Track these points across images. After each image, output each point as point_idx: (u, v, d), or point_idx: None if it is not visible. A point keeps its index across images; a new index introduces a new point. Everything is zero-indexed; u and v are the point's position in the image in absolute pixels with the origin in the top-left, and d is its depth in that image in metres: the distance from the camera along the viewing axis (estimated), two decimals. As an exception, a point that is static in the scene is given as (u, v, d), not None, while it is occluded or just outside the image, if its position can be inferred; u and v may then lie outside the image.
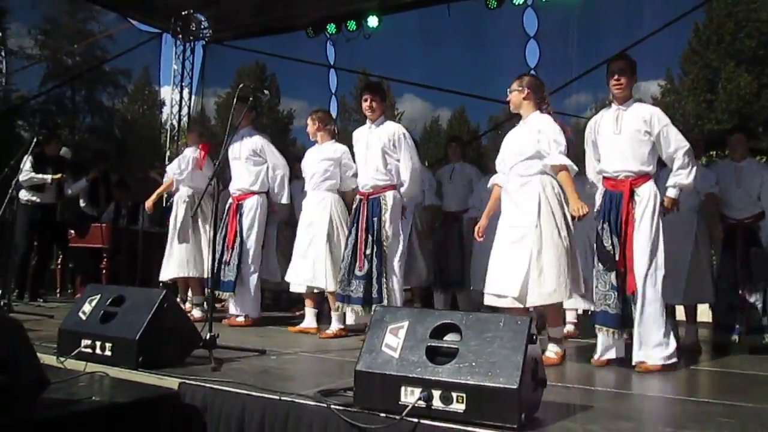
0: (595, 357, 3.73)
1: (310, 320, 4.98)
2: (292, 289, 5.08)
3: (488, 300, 3.82)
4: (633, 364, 3.58)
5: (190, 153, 5.77)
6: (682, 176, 3.66)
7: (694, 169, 3.68)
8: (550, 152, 3.72)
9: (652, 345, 3.55)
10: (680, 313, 5.06)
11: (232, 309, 5.28)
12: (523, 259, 3.65)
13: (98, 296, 3.39)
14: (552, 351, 3.74)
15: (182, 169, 5.66)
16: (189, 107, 9.99)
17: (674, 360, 3.59)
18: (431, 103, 11.37)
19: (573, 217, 3.67)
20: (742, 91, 13.32)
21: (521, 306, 3.65)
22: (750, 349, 4.59)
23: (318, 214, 4.92)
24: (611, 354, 3.70)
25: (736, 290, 4.75)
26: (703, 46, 14.08)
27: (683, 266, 4.63)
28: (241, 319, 5.22)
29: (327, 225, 4.86)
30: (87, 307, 3.35)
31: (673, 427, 2.36)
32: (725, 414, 2.60)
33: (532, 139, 3.79)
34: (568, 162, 3.69)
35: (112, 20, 10.57)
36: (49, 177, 6.40)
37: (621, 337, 3.64)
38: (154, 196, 5.81)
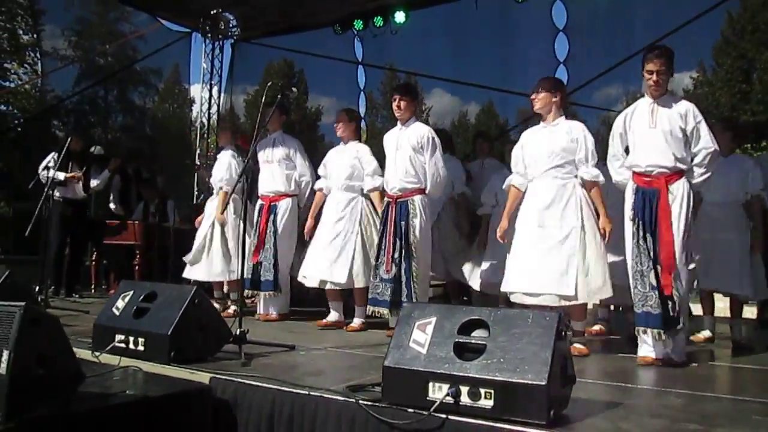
0: (639, 355, 3.65)
1: (335, 315, 5.01)
2: (309, 284, 5.10)
3: (518, 298, 3.84)
4: (660, 359, 3.55)
5: (229, 158, 5.83)
6: (695, 174, 3.62)
7: (708, 174, 3.62)
8: (586, 164, 3.88)
9: (679, 342, 3.55)
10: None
11: (267, 307, 5.36)
12: (572, 258, 3.74)
13: (131, 292, 3.46)
14: (576, 344, 3.77)
15: (233, 177, 5.69)
16: (218, 105, 10.11)
17: (692, 355, 3.63)
18: (460, 98, 11.31)
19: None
20: (778, 81, 13.03)
21: (560, 304, 3.70)
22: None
23: (347, 213, 4.96)
24: (654, 353, 3.60)
25: None
26: (737, 36, 13.74)
27: (721, 253, 4.53)
28: (274, 314, 5.32)
29: (357, 224, 4.92)
30: (120, 303, 3.43)
31: (706, 425, 2.32)
32: (760, 412, 2.55)
33: (568, 145, 3.89)
34: (601, 178, 3.88)
35: (142, 20, 10.74)
36: (62, 175, 6.48)
37: (667, 337, 3.53)
38: (222, 208, 5.70)
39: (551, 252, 3.77)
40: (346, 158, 5.07)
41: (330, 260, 4.89)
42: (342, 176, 5.05)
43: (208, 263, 5.72)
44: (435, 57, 8.89)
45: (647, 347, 3.60)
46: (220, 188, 5.77)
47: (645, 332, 3.56)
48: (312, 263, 5.01)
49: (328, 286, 4.95)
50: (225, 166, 5.79)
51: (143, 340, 3.20)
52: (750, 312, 6.05)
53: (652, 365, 3.55)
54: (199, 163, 7.14)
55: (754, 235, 4.65)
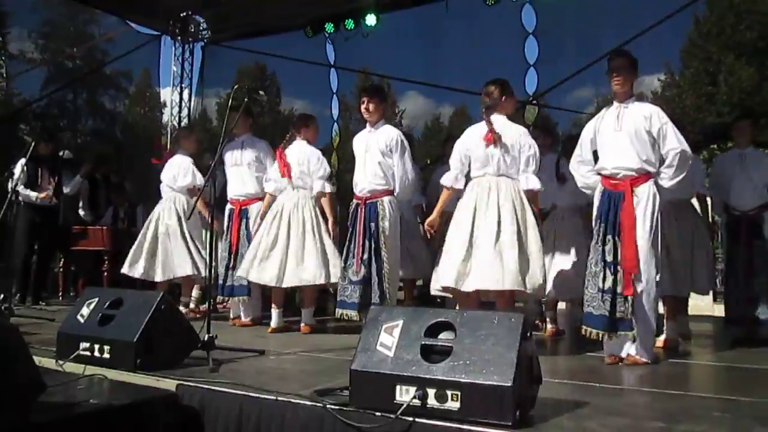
0: (606, 355, 3.69)
1: (276, 319, 4.96)
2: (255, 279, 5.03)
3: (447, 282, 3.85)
4: (624, 358, 3.60)
5: (190, 163, 5.76)
6: (664, 176, 3.66)
7: (680, 174, 3.64)
8: (526, 170, 3.89)
9: (643, 342, 3.57)
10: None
11: (241, 313, 5.31)
12: (504, 251, 3.73)
13: (96, 299, 3.41)
14: None
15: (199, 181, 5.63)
16: (189, 108, 10.02)
17: (655, 355, 3.65)
18: (434, 101, 11.38)
19: None
20: (744, 83, 13.27)
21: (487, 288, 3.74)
22: (755, 342, 4.56)
23: (289, 214, 4.95)
24: (619, 351, 3.66)
25: (743, 283, 4.73)
26: (703, 39, 14.02)
27: (677, 258, 4.60)
28: (248, 319, 5.29)
29: (302, 223, 4.90)
30: (85, 310, 3.37)
31: (669, 422, 2.36)
32: (721, 408, 2.60)
33: (510, 146, 3.89)
34: (538, 186, 3.92)
35: (111, 23, 10.64)
36: (35, 195, 6.38)
37: (613, 338, 3.58)
38: (190, 213, 5.56)
39: (488, 245, 3.75)
40: (294, 159, 5.04)
41: (294, 261, 4.87)
42: (294, 177, 5.03)
43: (148, 259, 5.63)
44: (407, 60, 8.91)
45: (614, 347, 3.64)
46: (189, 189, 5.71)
47: (588, 333, 3.61)
48: (275, 265, 4.94)
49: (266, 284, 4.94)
50: (187, 170, 5.72)
51: (109, 347, 3.15)
52: (719, 310, 6.18)
53: (619, 364, 3.60)
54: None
55: (701, 231, 4.77)
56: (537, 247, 3.80)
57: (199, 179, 5.63)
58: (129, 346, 3.08)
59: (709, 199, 5.05)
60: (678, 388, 3.18)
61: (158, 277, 5.60)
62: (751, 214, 4.79)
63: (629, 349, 3.60)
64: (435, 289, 4.23)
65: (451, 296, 4.00)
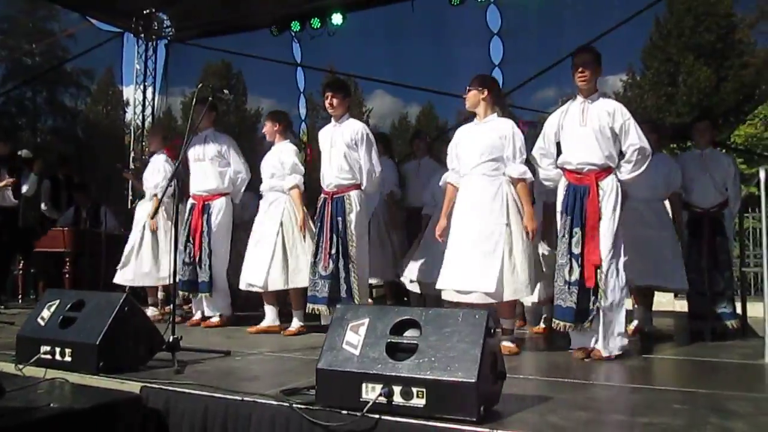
0: (573, 349, 3.76)
1: (271, 319, 4.95)
2: (242, 287, 5.03)
3: (449, 296, 3.87)
4: (590, 351, 3.66)
5: (163, 163, 5.70)
6: (623, 170, 3.74)
7: (638, 169, 3.72)
8: (514, 162, 3.90)
9: (611, 336, 3.63)
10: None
11: (207, 311, 5.26)
12: (496, 256, 3.77)
13: (57, 301, 3.35)
14: (505, 342, 3.82)
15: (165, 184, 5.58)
16: (153, 107, 9.87)
17: (627, 348, 3.72)
18: (401, 100, 11.37)
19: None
20: (702, 84, 13.60)
21: (487, 302, 3.73)
22: (715, 336, 4.68)
23: (270, 214, 4.94)
24: (587, 343, 3.72)
25: (704, 279, 4.85)
26: (664, 41, 14.31)
27: (654, 250, 4.68)
28: (216, 319, 5.22)
29: (278, 225, 4.87)
30: (46, 313, 3.31)
31: (629, 415, 2.42)
32: (680, 401, 2.67)
33: (496, 142, 3.91)
34: (528, 175, 3.91)
35: (72, 20, 10.34)
36: None
37: (581, 330, 3.66)
38: (153, 213, 5.50)
39: (477, 249, 3.80)
40: (270, 158, 5.04)
41: (254, 263, 4.87)
42: (266, 177, 5.03)
43: (137, 266, 5.59)
44: (375, 59, 8.92)
45: (582, 339, 3.72)
46: (154, 194, 5.65)
47: (557, 325, 3.68)
48: (245, 267, 4.95)
49: (254, 289, 4.90)
50: (159, 171, 5.67)
51: (70, 350, 3.10)
52: (680, 305, 6.33)
53: (585, 360, 3.66)
54: (129, 168, 6.91)
55: (676, 230, 4.86)
56: (519, 249, 3.85)
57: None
58: (91, 349, 3.03)
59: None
60: (640, 382, 3.26)
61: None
62: (712, 211, 4.91)
63: (596, 343, 3.67)
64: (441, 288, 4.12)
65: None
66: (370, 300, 5.34)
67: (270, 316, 4.95)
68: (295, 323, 4.80)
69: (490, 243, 3.80)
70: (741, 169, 5.76)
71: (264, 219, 4.98)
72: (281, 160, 4.96)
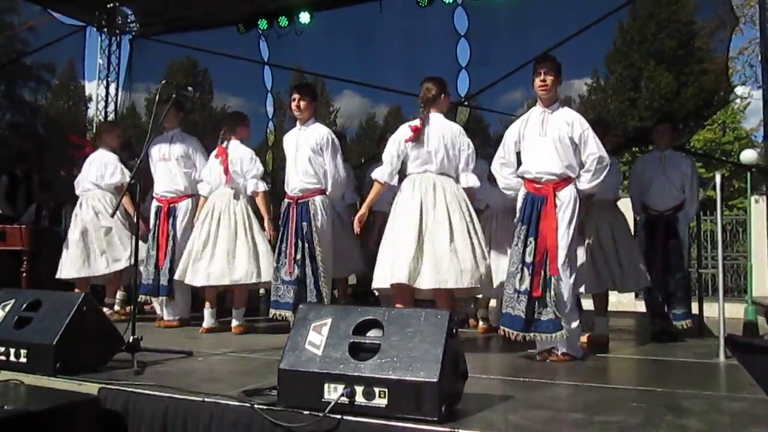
0: (537, 351, 3.79)
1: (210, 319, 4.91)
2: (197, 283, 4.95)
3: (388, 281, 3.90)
4: (550, 353, 3.72)
5: (116, 160, 5.61)
6: (582, 180, 3.79)
7: (597, 178, 3.78)
8: (466, 170, 4.05)
9: (567, 339, 3.68)
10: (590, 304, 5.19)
11: (166, 314, 5.19)
12: (470, 251, 3.86)
13: (12, 301, 3.27)
14: None
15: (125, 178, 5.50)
16: (116, 103, 9.68)
17: (582, 352, 3.78)
18: (369, 100, 11.36)
19: None
20: (663, 89, 13.90)
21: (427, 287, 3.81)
22: (669, 337, 4.78)
23: (223, 213, 4.92)
24: (547, 348, 3.75)
25: (660, 280, 4.94)
26: (627, 46, 14.58)
27: (611, 256, 4.74)
28: (175, 321, 5.16)
29: (234, 222, 4.88)
30: (0, 313, 3.22)
31: (588, 414, 2.46)
32: (637, 399, 2.73)
33: (449, 144, 4.00)
34: (477, 184, 4.09)
35: (33, 12, 10.08)
36: None
37: (527, 338, 3.69)
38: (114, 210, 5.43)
39: (443, 244, 3.83)
40: (228, 158, 4.98)
41: (226, 261, 4.81)
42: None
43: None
44: (343, 58, 8.89)
45: (545, 343, 3.74)
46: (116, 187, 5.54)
47: (505, 333, 3.70)
48: (206, 265, 4.86)
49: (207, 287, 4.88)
50: (115, 168, 5.56)
51: (26, 351, 3.04)
52: (641, 306, 6.46)
53: (546, 361, 3.71)
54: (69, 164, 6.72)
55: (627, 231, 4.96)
56: (483, 245, 3.96)
57: (128, 176, 5.45)
58: (48, 350, 2.97)
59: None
60: (598, 381, 3.33)
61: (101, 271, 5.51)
62: (668, 214, 5.02)
63: (557, 346, 3.72)
64: (378, 285, 4.17)
65: (393, 292, 4.01)
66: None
67: (208, 316, 4.91)
68: (237, 319, 4.86)
69: (458, 237, 3.87)
70: (700, 173, 5.90)
71: (216, 218, 4.92)
72: (243, 162, 4.96)
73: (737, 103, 19.55)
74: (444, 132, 4.02)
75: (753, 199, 11.65)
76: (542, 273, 3.61)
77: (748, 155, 13.05)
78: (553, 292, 3.60)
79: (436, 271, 3.79)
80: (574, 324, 3.71)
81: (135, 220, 3.71)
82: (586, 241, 4.51)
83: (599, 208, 4.62)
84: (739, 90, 17.10)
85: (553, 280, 3.60)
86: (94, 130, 9.61)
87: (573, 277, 3.70)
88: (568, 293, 3.66)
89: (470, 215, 3.98)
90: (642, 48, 14.39)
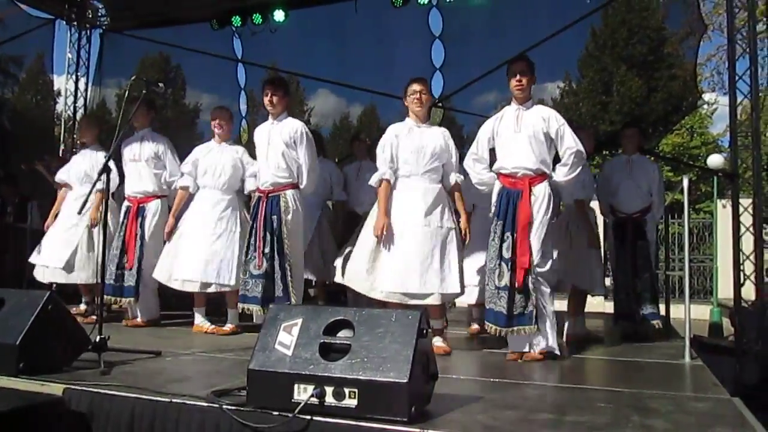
0: (508, 351, 3.82)
1: (206, 321, 4.88)
2: (188, 288, 4.86)
3: (396, 298, 3.85)
4: (522, 353, 3.74)
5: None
6: (559, 173, 3.86)
7: (573, 172, 3.85)
8: (453, 169, 4.08)
9: (542, 337, 3.73)
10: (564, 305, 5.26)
11: (134, 312, 5.12)
12: (430, 258, 3.84)
13: (-25, 299, 3.18)
14: (437, 342, 3.83)
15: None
16: (86, 99, 9.52)
17: (557, 350, 3.80)
18: (345, 99, 11.33)
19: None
20: (633, 94, 14.10)
21: (415, 302, 3.76)
22: (639, 337, 4.85)
23: (228, 213, 4.88)
24: (522, 347, 3.78)
25: (629, 282, 5.02)
26: (599, 50, 14.79)
27: (582, 255, 4.84)
28: (142, 320, 5.10)
29: (239, 224, 4.86)
30: (-38, 312, 3.13)
31: (555, 414, 2.48)
32: (605, 399, 2.76)
33: (442, 146, 4.03)
34: (462, 177, 4.10)
35: (1, 4, 9.87)
36: None
37: (515, 333, 3.73)
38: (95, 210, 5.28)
39: (415, 251, 3.85)
40: (227, 158, 4.95)
41: (215, 262, 4.75)
42: (225, 176, 4.92)
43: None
44: (318, 57, 8.85)
45: (517, 343, 3.78)
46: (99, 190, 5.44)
47: (490, 329, 3.75)
48: (189, 265, 4.78)
49: (212, 289, 4.78)
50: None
51: (-12, 351, 2.95)
52: (609, 307, 6.54)
53: (519, 361, 3.74)
54: (44, 158, 6.54)
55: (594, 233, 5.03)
56: (457, 253, 3.94)
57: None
58: (10, 350, 2.89)
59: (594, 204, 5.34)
60: (568, 382, 3.36)
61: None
62: (636, 216, 5.09)
63: (531, 345, 3.75)
64: (341, 280, 4.23)
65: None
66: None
67: (201, 317, 4.89)
68: (231, 323, 4.78)
69: (428, 246, 3.86)
70: (668, 176, 6.03)
71: (219, 218, 4.87)
72: (243, 161, 4.98)
73: (705, 109, 19.98)
74: (431, 134, 4.06)
75: (719, 203, 11.91)
76: (523, 266, 3.66)
77: (715, 160, 13.33)
78: (532, 285, 3.65)
79: (399, 278, 3.83)
80: (550, 319, 3.75)
81: (103, 218, 3.63)
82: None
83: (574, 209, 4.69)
84: (707, 96, 17.51)
85: (530, 273, 3.65)
86: (63, 126, 9.44)
87: (549, 271, 3.75)
88: (543, 288, 3.71)
89: (449, 224, 3.96)
90: (614, 53, 14.60)
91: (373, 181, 4.09)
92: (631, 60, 13.85)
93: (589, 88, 15.57)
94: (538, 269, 3.69)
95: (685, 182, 4.00)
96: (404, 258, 3.86)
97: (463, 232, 4.02)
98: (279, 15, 8.05)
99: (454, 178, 4.10)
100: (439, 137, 4.06)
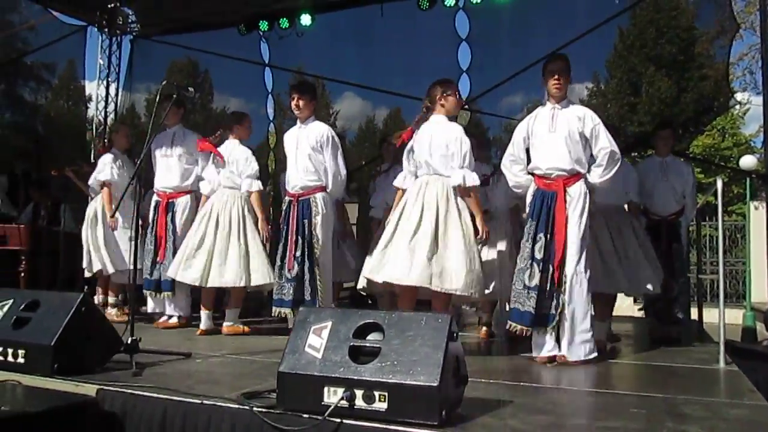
0: (537, 355, 3.77)
1: (208, 321, 4.90)
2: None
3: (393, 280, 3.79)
4: (555, 357, 3.70)
5: (106, 159, 5.68)
6: (593, 174, 3.80)
7: (609, 173, 3.77)
8: (463, 168, 3.85)
9: (577, 341, 3.67)
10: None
11: (169, 310, 5.19)
12: (428, 250, 3.72)
13: (11, 301, 3.26)
14: None
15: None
16: (116, 104, 9.68)
17: (594, 354, 3.73)
18: (371, 103, 11.36)
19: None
20: (663, 95, 13.94)
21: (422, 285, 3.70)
22: (671, 341, 4.76)
23: (228, 213, 4.91)
24: (549, 350, 3.74)
25: (663, 285, 4.91)
26: (627, 51, 14.64)
27: (621, 258, 4.71)
28: (174, 320, 5.17)
29: (228, 224, 4.88)
30: (-2, 313, 3.21)
31: (588, 419, 2.45)
32: (637, 405, 2.71)
33: (452, 143, 3.91)
34: (476, 182, 3.89)
35: (34, 12, 10.08)
36: None
37: (541, 334, 3.70)
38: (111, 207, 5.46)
39: (404, 240, 3.77)
40: (225, 158, 5.00)
41: (218, 262, 4.80)
42: (224, 175, 4.99)
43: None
44: (344, 61, 8.89)
45: (543, 345, 3.74)
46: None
47: (513, 327, 3.71)
48: (199, 266, 4.81)
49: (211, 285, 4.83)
50: (104, 165, 5.66)
51: (24, 351, 3.02)
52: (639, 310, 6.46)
53: (547, 365, 3.69)
54: (77, 164, 6.69)
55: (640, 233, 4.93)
56: (460, 247, 3.74)
57: (115, 176, 5.59)
58: (46, 350, 2.95)
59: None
60: (599, 387, 3.31)
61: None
62: (670, 219, 5.01)
63: (561, 349, 3.70)
64: (360, 285, 4.32)
65: (382, 294, 4.00)
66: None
67: (207, 318, 4.90)
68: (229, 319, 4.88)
69: (420, 236, 3.76)
70: (699, 178, 5.91)
71: (223, 218, 4.91)
72: (239, 161, 4.98)
73: (737, 109, 19.58)
74: (439, 134, 3.94)
75: (752, 205, 11.68)
76: (556, 268, 3.62)
77: (748, 161, 13.07)
78: (566, 289, 3.61)
79: (390, 266, 3.75)
80: (585, 323, 3.68)
81: (134, 220, 3.69)
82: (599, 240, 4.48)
83: (608, 212, 4.59)
84: (739, 96, 17.16)
85: (567, 274, 3.61)
86: (94, 131, 9.60)
87: (585, 274, 3.68)
88: (578, 290, 3.65)
89: (447, 217, 3.82)
90: (642, 53, 14.45)
91: (399, 183, 4.17)
92: (660, 60, 13.69)
93: (617, 89, 15.41)
94: (574, 271, 3.63)
95: (719, 184, 3.93)
96: (410, 249, 3.78)
97: (480, 231, 3.87)
98: (306, 19, 8.10)
99: (460, 177, 3.91)
100: (444, 131, 3.94)
